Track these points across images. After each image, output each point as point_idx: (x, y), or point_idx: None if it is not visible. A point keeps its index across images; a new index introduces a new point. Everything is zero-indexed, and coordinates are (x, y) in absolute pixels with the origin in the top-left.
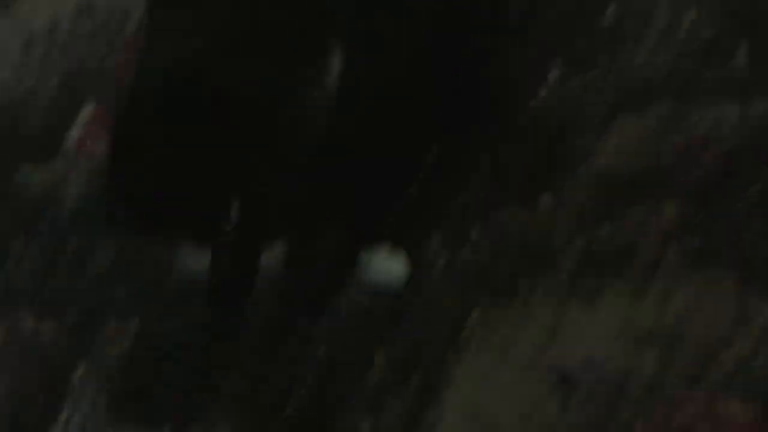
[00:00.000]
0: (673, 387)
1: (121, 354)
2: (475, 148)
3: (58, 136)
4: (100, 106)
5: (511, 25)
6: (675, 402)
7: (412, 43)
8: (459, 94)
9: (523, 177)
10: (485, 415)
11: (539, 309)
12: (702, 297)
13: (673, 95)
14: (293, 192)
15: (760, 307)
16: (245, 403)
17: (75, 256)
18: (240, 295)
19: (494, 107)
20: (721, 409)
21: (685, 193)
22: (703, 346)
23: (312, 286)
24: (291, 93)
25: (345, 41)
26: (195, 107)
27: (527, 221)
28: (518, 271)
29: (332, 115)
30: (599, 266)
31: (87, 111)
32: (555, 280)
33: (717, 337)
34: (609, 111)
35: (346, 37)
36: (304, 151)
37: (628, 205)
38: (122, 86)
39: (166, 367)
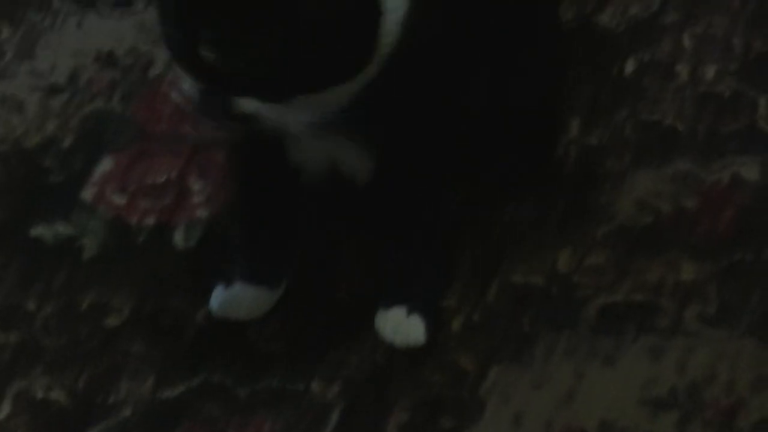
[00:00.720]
0: None
1: (135, 415)
2: (493, 205)
3: (76, 188)
4: (120, 157)
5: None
6: None
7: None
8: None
9: (542, 233)
10: None
11: (557, 370)
12: (721, 359)
13: (692, 150)
14: None
15: None
16: None
17: (90, 312)
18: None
19: (514, 161)
20: None
21: (704, 251)
22: (722, 408)
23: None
24: None
25: None
26: None
27: (545, 280)
28: (536, 331)
29: None
30: (618, 326)
31: (106, 162)
32: (574, 340)
33: (736, 400)
34: (628, 165)
35: None
36: None
37: (647, 263)
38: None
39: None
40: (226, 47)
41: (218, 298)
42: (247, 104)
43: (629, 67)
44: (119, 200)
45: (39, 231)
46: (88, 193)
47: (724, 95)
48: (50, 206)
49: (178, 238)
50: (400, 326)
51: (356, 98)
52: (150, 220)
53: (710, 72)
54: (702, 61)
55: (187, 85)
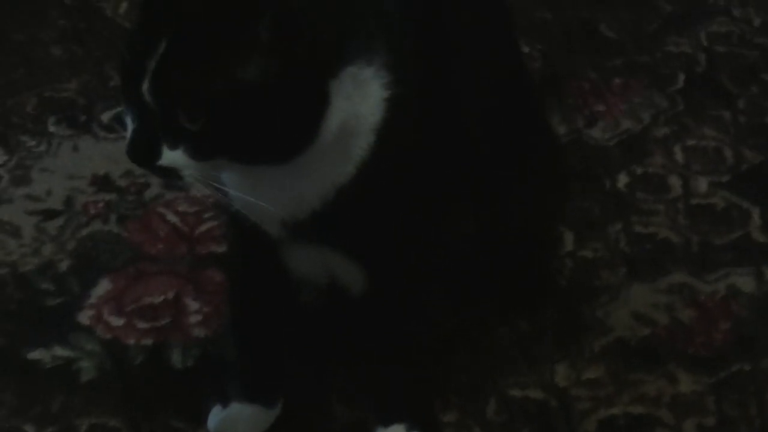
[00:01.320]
0: None
1: None
2: (490, 321)
3: (73, 311)
4: (117, 278)
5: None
6: None
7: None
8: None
9: (539, 347)
10: None
11: None
12: None
13: (687, 262)
14: None
15: None
16: None
17: None
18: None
19: (510, 276)
20: None
21: (701, 362)
22: None
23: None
24: None
25: None
26: None
27: (544, 393)
28: None
29: None
30: None
31: (103, 283)
32: None
33: None
34: (624, 278)
35: None
36: None
37: (645, 375)
38: (140, 257)
39: None
40: (164, 89)
41: (216, 418)
42: (173, 157)
43: (622, 180)
44: (116, 322)
45: (36, 354)
46: (85, 316)
47: (717, 207)
48: (47, 329)
49: (176, 358)
50: None
51: (330, 203)
52: (147, 341)
53: (703, 184)
54: (694, 173)
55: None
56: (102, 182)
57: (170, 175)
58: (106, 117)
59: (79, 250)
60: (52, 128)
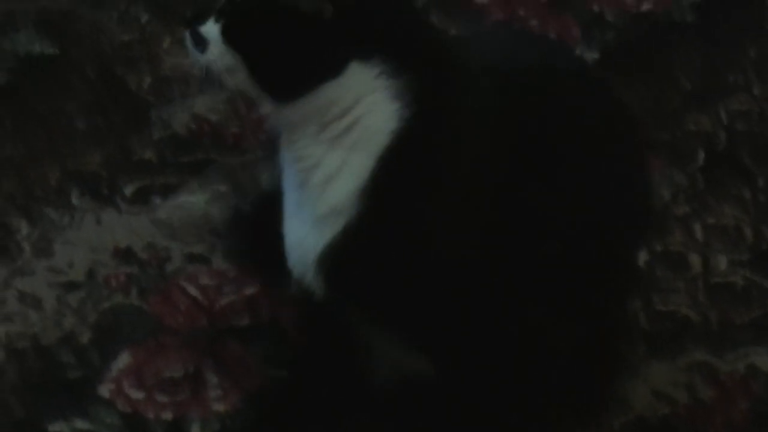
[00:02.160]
0: None
1: None
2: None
3: (93, 383)
4: (137, 351)
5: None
6: None
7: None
8: None
9: (559, 424)
10: None
11: None
12: None
13: (707, 341)
14: None
15: None
16: None
17: None
18: None
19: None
20: None
21: None
22: None
23: None
24: None
25: None
26: None
27: None
28: None
29: None
30: None
31: (124, 356)
32: None
33: None
34: (643, 356)
35: None
36: None
37: None
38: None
39: None
40: None
41: None
42: (212, 29)
43: (642, 257)
44: (137, 395)
45: (56, 427)
46: (105, 389)
47: (737, 285)
48: (68, 402)
49: None
50: None
51: (325, 257)
52: (167, 415)
53: (722, 262)
54: (714, 251)
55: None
56: (124, 255)
57: (200, 43)
58: (129, 190)
59: (101, 322)
60: (75, 201)
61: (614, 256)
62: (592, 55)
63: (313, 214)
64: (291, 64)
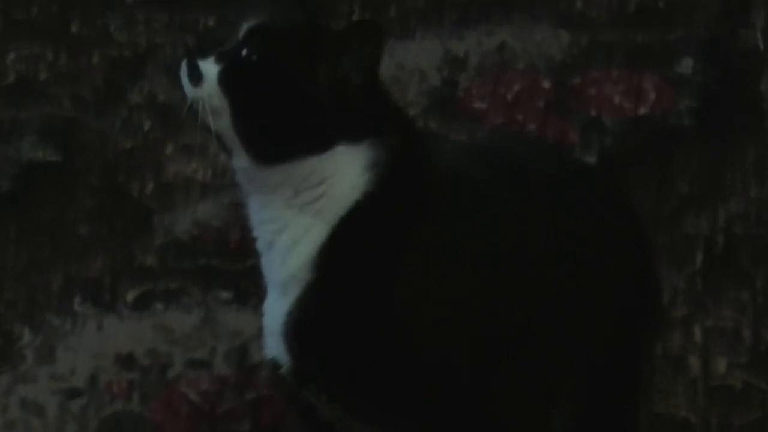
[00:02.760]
0: None
1: None
2: None
3: None
4: None
5: None
6: None
7: None
8: None
9: None
10: None
11: None
12: None
13: None
14: None
15: None
16: None
17: None
18: None
19: None
20: None
21: None
22: None
23: None
24: None
25: None
26: None
27: None
28: None
29: None
30: None
31: None
32: None
33: None
34: None
35: None
36: None
37: None
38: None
39: None
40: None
41: None
42: (210, 67)
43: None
44: None
45: None
46: None
47: (736, 388)
48: None
49: None
50: None
51: (285, 326)
52: None
53: (722, 365)
54: (713, 353)
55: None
56: (125, 361)
57: (194, 76)
58: (130, 296)
59: (102, 429)
60: (77, 307)
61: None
62: (590, 159)
63: (278, 280)
64: (279, 131)
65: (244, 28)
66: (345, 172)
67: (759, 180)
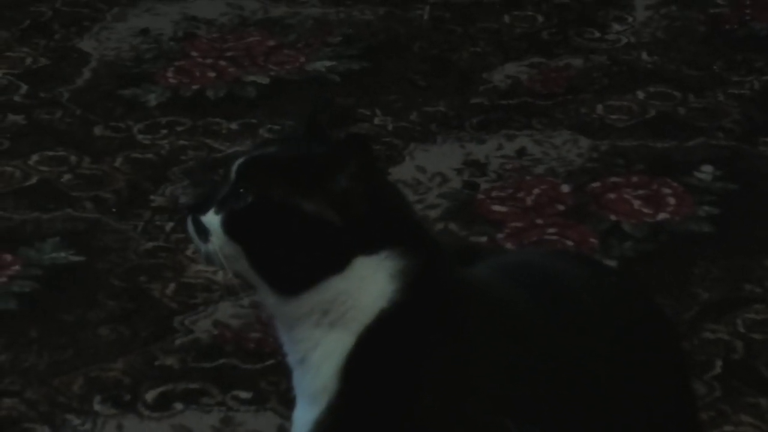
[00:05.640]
0: None
1: None
2: None
3: None
4: None
5: None
6: None
7: None
8: None
9: None
10: None
11: None
12: None
13: None
14: None
15: None
16: None
17: None
18: None
19: None
20: None
21: None
22: None
23: None
24: None
25: None
26: None
27: None
28: None
29: None
30: None
31: None
32: None
33: None
34: None
35: None
36: None
37: None
38: None
39: None
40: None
41: None
42: (213, 219)
43: None
44: None
45: None
46: None
47: None
48: None
49: None
50: None
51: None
52: None
53: None
54: None
55: None
56: None
57: (201, 233)
58: (150, 396)
59: None
60: (97, 407)
61: None
62: (610, 264)
63: (308, 392)
64: (294, 260)
65: (234, 165)
66: (369, 282)
67: None
